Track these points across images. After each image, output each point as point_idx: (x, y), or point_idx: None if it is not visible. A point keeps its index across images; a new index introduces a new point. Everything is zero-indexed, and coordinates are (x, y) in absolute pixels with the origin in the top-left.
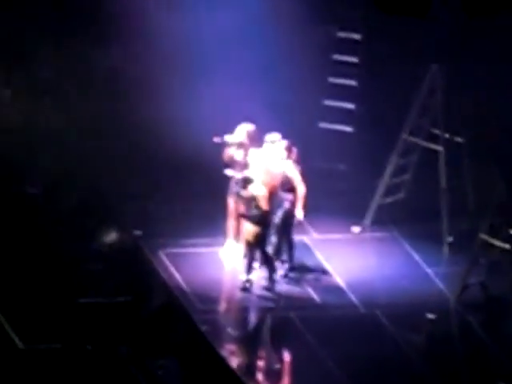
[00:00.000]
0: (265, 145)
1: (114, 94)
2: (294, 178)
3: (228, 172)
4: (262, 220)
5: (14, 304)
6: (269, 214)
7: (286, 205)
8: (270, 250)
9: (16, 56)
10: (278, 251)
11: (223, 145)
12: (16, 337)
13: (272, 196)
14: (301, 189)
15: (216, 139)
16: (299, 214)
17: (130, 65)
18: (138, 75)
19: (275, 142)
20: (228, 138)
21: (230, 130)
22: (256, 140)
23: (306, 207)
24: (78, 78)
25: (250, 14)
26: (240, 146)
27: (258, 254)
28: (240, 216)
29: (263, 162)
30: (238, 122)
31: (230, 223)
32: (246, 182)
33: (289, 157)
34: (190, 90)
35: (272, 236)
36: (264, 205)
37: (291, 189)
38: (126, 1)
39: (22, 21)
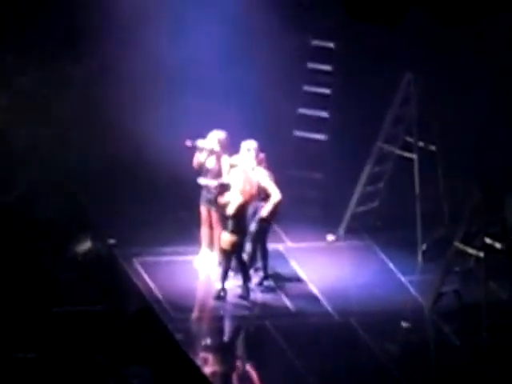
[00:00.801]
0: (241, 152)
1: (93, 105)
2: (268, 186)
3: (201, 181)
4: (236, 228)
5: None
6: (243, 222)
7: (261, 213)
8: (244, 258)
9: None
10: (252, 259)
11: (194, 149)
12: None
13: (248, 204)
14: (275, 196)
15: (188, 143)
16: (264, 212)
17: (106, 75)
18: (116, 86)
19: (251, 150)
20: (200, 142)
21: (203, 136)
22: (227, 148)
23: (276, 214)
24: (57, 88)
25: (223, 25)
26: (211, 152)
27: (232, 263)
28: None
29: (241, 169)
30: (211, 130)
31: (204, 231)
32: (223, 188)
33: (259, 164)
34: (165, 100)
35: (247, 244)
36: (233, 211)
37: (266, 197)
38: (105, 14)
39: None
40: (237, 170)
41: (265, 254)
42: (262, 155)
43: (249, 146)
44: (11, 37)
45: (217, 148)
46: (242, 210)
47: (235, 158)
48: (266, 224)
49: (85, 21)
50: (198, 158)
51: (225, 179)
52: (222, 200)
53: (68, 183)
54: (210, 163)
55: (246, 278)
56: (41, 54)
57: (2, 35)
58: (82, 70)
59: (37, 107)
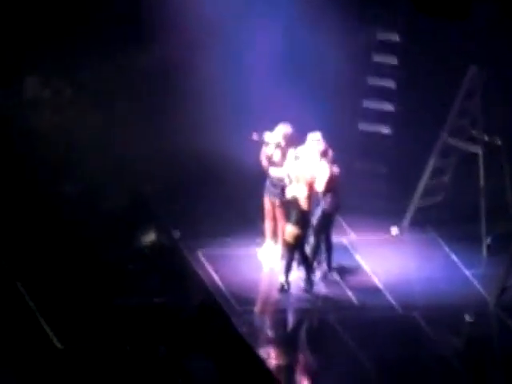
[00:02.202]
0: (306, 143)
1: (154, 98)
2: (320, 177)
3: (272, 171)
4: (302, 221)
5: (53, 305)
6: (307, 215)
7: (325, 205)
8: (308, 251)
9: (56, 59)
10: (316, 252)
11: (261, 143)
12: (55, 337)
13: (312, 196)
14: (318, 187)
15: (254, 136)
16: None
17: (173, 70)
18: (179, 81)
19: (316, 141)
20: (266, 136)
21: (269, 129)
22: (293, 142)
23: (339, 207)
24: (120, 81)
25: (290, 16)
26: (277, 146)
27: (296, 255)
28: (278, 218)
29: (304, 161)
30: (277, 123)
31: (267, 224)
32: (285, 187)
33: (324, 158)
34: (231, 87)
35: (310, 237)
36: (304, 206)
37: (329, 189)
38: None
39: (64, 28)
40: (300, 163)
41: (329, 247)
42: (330, 152)
43: (315, 138)
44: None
45: (283, 142)
46: (307, 202)
47: (300, 150)
48: (329, 216)
49: (149, 14)
50: (265, 152)
51: (289, 173)
52: (288, 193)
53: (132, 176)
54: (276, 156)
55: (310, 271)
56: (105, 48)
57: (66, 32)
58: (146, 64)
59: (100, 102)
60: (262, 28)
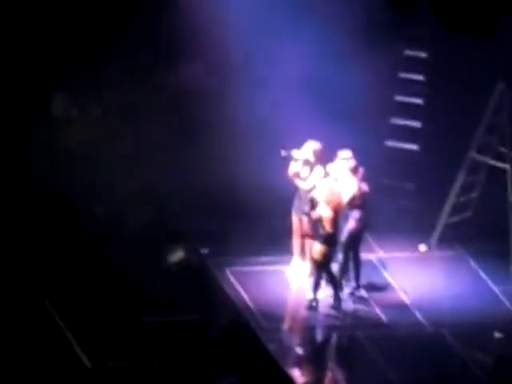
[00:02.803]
0: (336, 161)
1: (184, 118)
2: (348, 192)
3: (300, 184)
4: (329, 239)
5: (83, 323)
6: (335, 233)
7: (353, 223)
8: (336, 267)
9: (87, 79)
10: (344, 269)
11: (289, 159)
12: (84, 356)
13: (338, 214)
14: (343, 202)
15: (283, 153)
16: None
17: (201, 92)
18: (208, 104)
19: (346, 159)
20: (295, 152)
21: (297, 146)
22: (322, 159)
23: (366, 224)
24: (149, 101)
25: (318, 32)
26: (306, 162)
27: (324, 273)
28: (306, 236)
29: (330, 180)
30: (305, 140)
31: (295, 241)
32: (313, 203)
33: (355, 175)
34: (257, 105)
35: (339, 254)
36: (329, 226)
37: (358, 206)
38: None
39: (94, 46)
40: (322, 182)
41: (357, 264)
42: (361, 169)
43: (345, 156)
44: (102, 49)
45: (311, 158)
46: (331, 221)
47: (329, 167)
48: (357, 233)
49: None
50: (294, 168)
51: (314, 193)
52: (313, 214)
53: (161, 194)
54: (304, 173)
55: (337, 288)
56: (133, 66)
57: (94, 48)
58: (175, 82)
59: (126, 120)
60: (290, 50)
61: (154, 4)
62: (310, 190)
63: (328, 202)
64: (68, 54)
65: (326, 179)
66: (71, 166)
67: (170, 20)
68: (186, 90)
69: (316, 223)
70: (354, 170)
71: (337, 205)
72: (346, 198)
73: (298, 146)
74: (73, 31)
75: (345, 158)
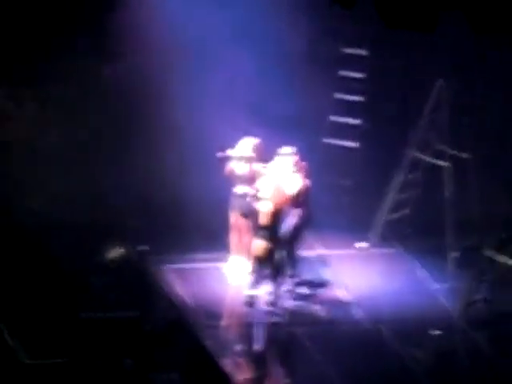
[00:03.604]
0: (276, 158)
1: (124, 106)
2: (294, 189)
3: (238, 189)
4: (270, 235)
5: (19, 319)
6: (276, 229)
7: (295, 219)
8: (275, 264)
9: (22, 70)
10: (282, 266)
11: (225, 159)
12: (22, 351)
13: (279, 211)
14: (286, 199)
15: (219, 154)
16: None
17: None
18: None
19: (288, 156)
20: (230, 151)
21: (233, 145)
22: (261, 154)
23: (308, 222)
24: (84, 92)
25: (254, 29)
26: (241, 159)
27: (264, 269)
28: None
29: (273, 176)
30: (242, 137)
31: (233, 238)
32: (256, 199)
33: (298, 171)
34: (193, 101)
35: (278, 250)
36: (270, 221)
37: (301, 202)
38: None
39: (31, 35)
40: (267, 178)
41: (295, 261)
42: (303, 163)
43: (286, 152)
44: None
45: (250, 154)
46: (273, 217)
47: (268, 165)
48: (298, 230)
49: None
50: (230, 167)
51: (257, 188)
52: (256, 208)
53: (99, 189)
54: (240, 170)
55: (277, 285)
56: (70, 60)
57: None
58: (113, 77)
59: (63, 115)
60: (229, 47)
61: None
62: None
63: (273, 199)
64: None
65: (272, 175)
66: (7, 161)
67: (109, 14)
68: (122, 86)
69: (255, 220)
70: (299, 166)
71: (279, 202)
72: (294, 193)
73: (233, 145)
74: (9, 25)
75: (287, 154)
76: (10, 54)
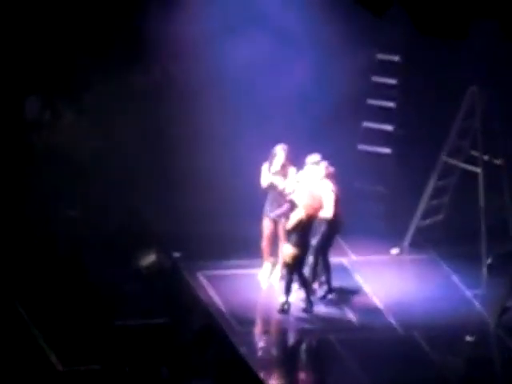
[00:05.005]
0: (306, 166)
1: (155, 117)
2: (327, 201)
3: (271, 196)
4: (301, 241)
5: (54, 326)
6: (307, 236)
7: (324, 226)
8: (307, 271)
9: (59, 79)
10: (315, 272)
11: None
12: (55, 359)
13: (312, 218)
14: (327, 211)
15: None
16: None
17: (172, 87)
18: (179, 97)
19: (316, 164)
20: (273, 169)
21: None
22: (292, 160)
23: (339, 228)
24: (120, 102)
25: (289, 37)
26: (276, 173)
27: (295, 276)
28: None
29: (304, 184)
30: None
31: (266, 244)
32: (292, 206)
33: (327, 177)
34: (229, 110)
35: (309, 257)
36: (299, 227)
37: (330, 211)
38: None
39: (63, 41)
40: (300, 185)
41: (327, 268)
42: (331, 169)
43: (314, 160)
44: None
45: (285, 162)
46: (303, 224)
47: (300, 174)
48: (329, 237)
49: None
50: (270, 180)
51: (292, 196)
52: (289, 215)
53: (133, 197)
54: (280, 182)
55: (309, 292)
56: (106, 70)
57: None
58: (147, 86)
59: (101, 122)
60: (258, 53)
61: (127, 6)
62: (288, 193)
63: (306, 206)
64: (39, 56)
65: (305, 182)
66: (44, 168)
67: (142, 22)
68: (159, 90)
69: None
70: (327, 173)
71: (315, 209)
72: (329, 209)
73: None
74: (45, 33)
75: (314, 163)
76: (46, 62)
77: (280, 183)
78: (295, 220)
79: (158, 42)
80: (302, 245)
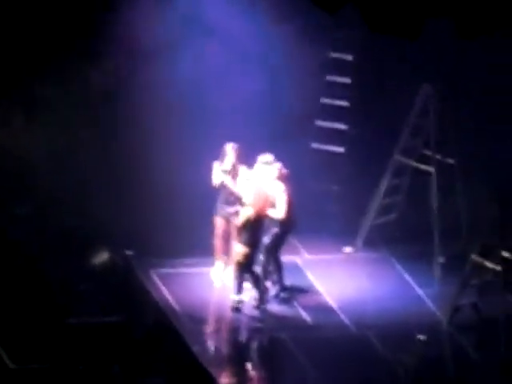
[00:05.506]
0: (256, 165)
1: (108, 117)
2: (279, 202)
3: (222, 195)
4: (251, 240)
5: (4, 325)
6: (258, 234)
7: (276, 226)
8: (258, 270)
9: (14, 74)
10: (266, 271)
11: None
12: (6, 357)
13: (260, 217)
14: (279, 212)
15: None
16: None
17: (127, 87)
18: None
19: (268, 163)
20: (222, 167)
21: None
22: (241, 158)
23: (292, 227)
24: (74, 97)
25: (241, 39)
26: (227, 172)
27: (247, 274)
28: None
29: (254, 183)
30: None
31: (218, 243)
32: (240, 204)
33: (279, 178)
34: (182, 108)
35: (260, 256)
36: (249, 226)
37: (281, 210)
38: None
39: (17, 36)
40: (249, 184)
41: (279, 266)
42: (284, 171)
43: (266, 160)
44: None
45: (234, 161)
46: (253, 222)
47: (250, 172)
48: (282, 236)
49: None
50: (219, 179)
51: (240, 194)
52: (240, 214)
53: (84, 194)
54: (229, 181)
55: (261, 290)
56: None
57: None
58: (98, 81)
59: (54, 120)
60: (216, 50)
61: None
62: (237, 191)
63: (253, 204)
64: None
65: (254, 181)
66: None
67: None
68: (109, 87)
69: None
70: (280, 174)
71: (262, 208)
72: (281, 210)
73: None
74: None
75: (266, 163)
76: None
77: (230, 182)
78: (243, 218)
79: (116, 41)
80: (253, 243)
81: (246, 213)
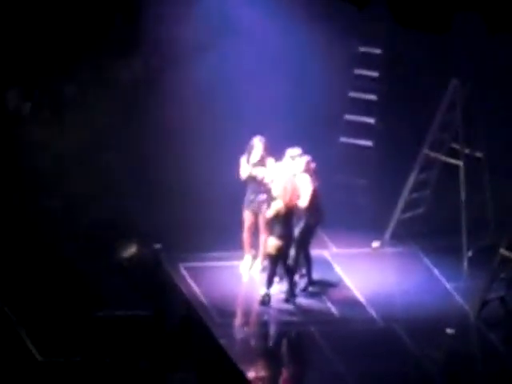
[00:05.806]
0: (285, 159)
1: (138, 108)
2: (304, 192)
3: (251, 188)
4: (284, 233)
5: (34, 317)
6: (291, 227)
7: (307, 218)
8: (289, 263)
9: (39, 69)
10: (296, 265)
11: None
12: (35, 349)
13: (290, 209)
14: (302, 201)
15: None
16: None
17: (158, 86)
18: (163, 91)
19: (296, 157)
20: (252, 161)
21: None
22: (269, 151)
23: (320, 220)
24: (106, 96)
25: (269, 37)
26: (255, 164)
27: (278, 268)
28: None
29: (283, 176)
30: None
31: (247, 237)
32: (271, 198)
33: (307, 171)
34: (211, 105)
35: (291, 249)
36: (280, 219)
37: (312, 203)
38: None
39: (46, 34)
40: (279, 177)
41: (308, 260)
42: (313, 165)
43: (294, 153)
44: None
45: (263, 153)
46: (283, 215)
47: (279, 165)
48: (311, 229)
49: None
50: (250, 172)
51: (271, 188)
52: (270, 207)
53: (114, 188)
54: (260, 173)
55: (291, 284)
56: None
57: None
58: (131, 78)
59: (85, 118)
60: (245, 47)
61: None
62: (267, 183)
63: (282, 196)
64: (21, 48)
65: (283, 174)
66: (24, 160)
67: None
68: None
69: (272, 218)
70: (307, 167)
71: (291, 200)
72: (305, 198)
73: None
74: (27, 26)
75: (294, 156)
76: (28, 55)
77: (260, 173)
78: (273, 210)
79: (146, 40)
80: (285, 236)
81: (275, 206)
